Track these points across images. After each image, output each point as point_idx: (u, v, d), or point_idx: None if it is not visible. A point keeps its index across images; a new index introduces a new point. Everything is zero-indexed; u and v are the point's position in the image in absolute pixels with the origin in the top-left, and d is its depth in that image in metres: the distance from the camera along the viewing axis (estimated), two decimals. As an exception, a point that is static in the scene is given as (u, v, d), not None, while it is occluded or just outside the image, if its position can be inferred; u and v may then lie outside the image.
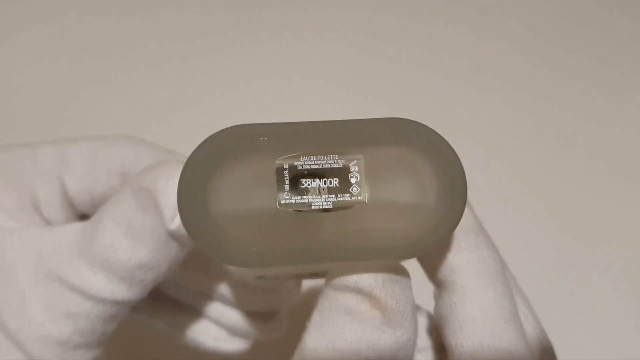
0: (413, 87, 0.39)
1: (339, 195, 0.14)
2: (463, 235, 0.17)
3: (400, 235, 0.14)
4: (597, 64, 0.40)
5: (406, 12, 0.41)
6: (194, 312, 0.23)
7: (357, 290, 0.15)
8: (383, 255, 0.14)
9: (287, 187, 0.14)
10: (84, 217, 0.21)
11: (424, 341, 0.19)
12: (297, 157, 0.14)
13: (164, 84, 0.38)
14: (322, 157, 0.14)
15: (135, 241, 0.16)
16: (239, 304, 0.22)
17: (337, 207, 0.14)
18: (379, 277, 0.15)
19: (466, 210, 0.17)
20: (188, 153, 0.14)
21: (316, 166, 0.14)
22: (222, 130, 0.14)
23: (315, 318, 0.16)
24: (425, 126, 0.14)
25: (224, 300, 0.22)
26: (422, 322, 0.19)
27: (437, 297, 0.17)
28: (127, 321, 0.19)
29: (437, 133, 0.14)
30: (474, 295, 0.16)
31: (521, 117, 0.38)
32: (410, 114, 0.40)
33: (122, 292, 0.17)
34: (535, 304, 0.19)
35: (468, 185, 0.14)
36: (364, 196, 0.14)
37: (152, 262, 0.17)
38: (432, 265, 0.17)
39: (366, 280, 0.15)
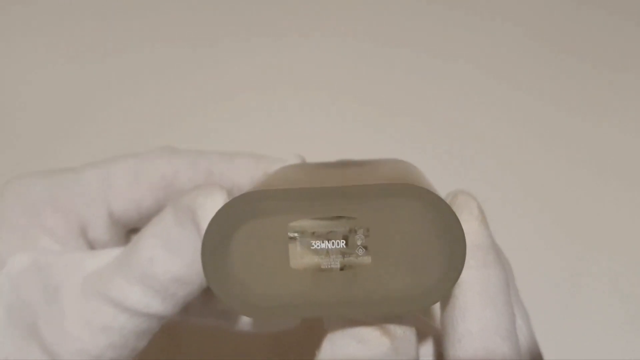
0: (414, 92, 0.38)
1: (345, 256, 0.15)
2: (472, 253, 0.18)
3: (404, 293, 0.15)
4: (602, 66, 0.39)
5: (406, 16, 0.40)
6: None
7: (369, 323, 0.17)
8: (388, 311, 0.15)
9: (298, 249, 0.15)
10: (133, 230, 0.22)
11: (427, 349, 0.20)
12: (307, 221, 0.15)
13: (168, 87, 0.38)
14: (329, 221, 0.15)
15: (172, 255, 0.18)
16: None
17: (344, 267, 0.15)
18: None
19: (480, 228, 0.18)
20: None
21: (324, 229, 0.15)
22: (241, 195, 0.15)
23: (326, 346, 0.17)
24: (427, 190, 0.15)
25: None
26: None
27: (442, 307, 0.19)
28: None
29: (438, 196, 0.15)
30: (474, 312, 0.17)
31: (523, 121, 0.38)
32: (411, 119, 0.40)
33: (156, 305, 0.18)
34: (534, 306, 0.20)
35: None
36: (369, 257, 0.15)
37: (186, 277, 0.18)
38: None
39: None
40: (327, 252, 0.15)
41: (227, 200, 0.16)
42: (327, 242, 0.15)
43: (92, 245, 0.21)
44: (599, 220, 0.35)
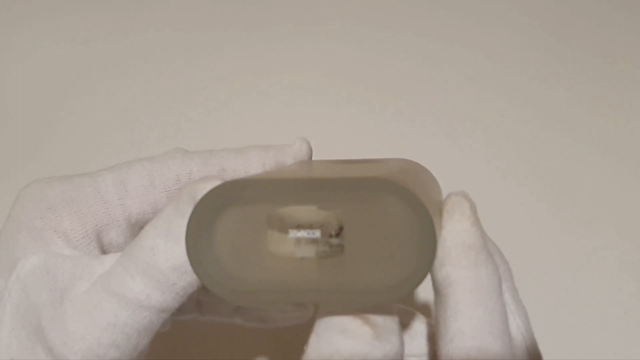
0: (414, 79, 0.39)
1: (320, 245, 0.16)
2: (464, 253, 0.18)
3: (377, 284, 0.16)
4: (611, 58, 0.39)
5: (411, 4, 0.41)
6: None
7: (349, 312, 0.17)
8: (362, 299, 0.16)
9: (275, 237, 0.16)
10: None
11: (422, 347, 0.20)
12: (285, 210, 0.16)
13: (164, 74, 0.39)
14: (306, 211, 0.16)
15: (174, 243, 0.18)
16: None
17: (319, 256, 0.16)
18: None
19: (472, 228, 0.18)
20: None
21: (301, 219, 0.16)
22: (223, 183, 0.16)
23: (313, 340, 0.18)
24: (398, 184, 0.15)
25: None
26: (422, 330, 0.21)
27: (435, 306, 0.19)
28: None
29: (409, 190, 0.15)
30: (466, 311, 0.18)
31: (527, 109, 0.38)
32: (411, 107, 0.40)
33: (157, 296, 0.18)
34: (534, 301, 0.20)
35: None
36: (343, 247, 0.16)
37: (186, 265, 0.18)
38: (432, 273, 0.19)
39: None
40: (303, 240, 0.16)
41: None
42: (303, 231, 0.16)
43: (106, 249, 0.22)
44: (605, 214, 0.35)
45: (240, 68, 0.39)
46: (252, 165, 0.23)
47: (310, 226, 0.16)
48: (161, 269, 0.18)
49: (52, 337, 0.18)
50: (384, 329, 0.17)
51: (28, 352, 0.19)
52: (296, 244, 0.16)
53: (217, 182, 0.18)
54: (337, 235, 0.16)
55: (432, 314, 0.22)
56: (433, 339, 0.20)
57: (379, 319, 0.17)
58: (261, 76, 0.39)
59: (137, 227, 0.22)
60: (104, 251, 0.22)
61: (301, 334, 0.24)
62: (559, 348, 0.30)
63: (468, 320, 0.17)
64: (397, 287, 0.16)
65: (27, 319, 0.19)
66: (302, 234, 0.16)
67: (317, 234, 0.16)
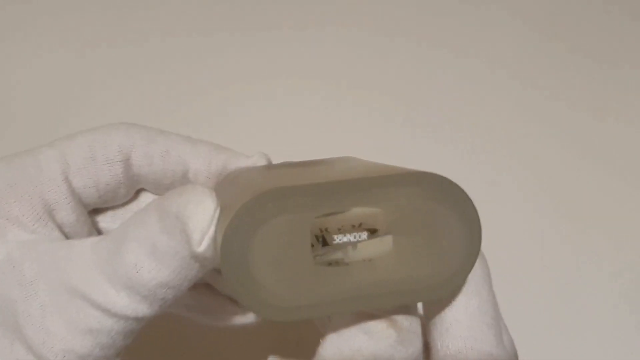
0: (416, 84, 0.39)
1: (369, 247, 0.15)
2: None
3: (427, 281, 0.15)
4: (606, 62, 0.40)
5: (408, 8, 0.41)
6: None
7: (377, 315, 0.17)
8: (406, 300, 0.15)
9: (320, 244, 0.15)
10: (94, 211, 0.22)
11: None
12: (328, 216, 0.15)
13: (164, 79, 0.38)
14: (351, 214, 0.15)
15: (159, 262, 0.17)
16: None
17: (368, 259, 0.15)
18: None
19: None
20: None
21: (347, 222, 0.15)
22: (262, 193, 0.14)
23: (332, 339, 0.17)
24: (445, 178, 0.15)
25: None
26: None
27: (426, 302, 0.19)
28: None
29: (456, 185, 0.15)
30: (461, 301, 0.18)
31: (526, 114, 0.39)
32: (414, 111, 0.40)
33: (144, 309, 0.18)
34: (534, 306, 0.21)
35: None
36: (390, 247, 0.15)
37: (173, 282, 0.17)
38: None
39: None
40: (351, 245, 0.15)
41: (217, 205, 0.16)
42: (349, 235, 0.15)
43: (61, 229, 0.20)
44: (603, 217, 0.36)
45: (240, 72, 0.38)
46: (197, 158, 0.22)
47: (357, 229, 0.15)
48: (147, 286, 0.17)
49: (30, 335, 0.18)
50: (409, 333, 0.17)
51: (7, 349, 0.18)
52: (344, 249, 0.15)
53: (209, 204, 0.16)
54: (386, 234, 0.15)
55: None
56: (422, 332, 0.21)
57: (405, 322, 0.17)
58: (258, 81, 0.38)
59: (81, 203, 0.21)
60: (61, 231, 0.20)
61: (302, 334, 0.23)
62: (552, 352, 0.32)
63: (463, 310, 0.18)
64: (449, 281, 0.15)
65: (2, 316, 0.18)
66: (349, 238, 0.15)
67: (364, 236, 0.15)
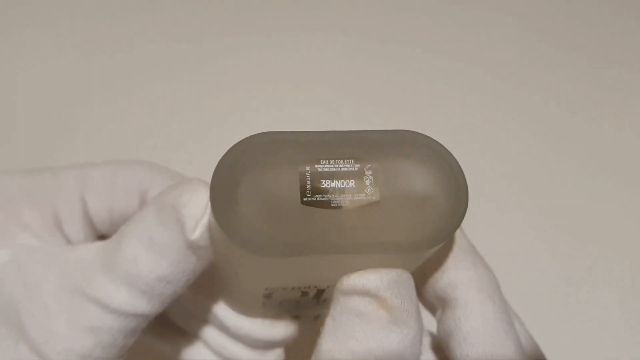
0: (412, 89, 0.40)
1: (355, 194, 0.15)
2: (462, 256, 0.19)
3: (411, 231, 0.15)
4: (600, 64, 0.41)
5: (408, 14, 0.43)
6: (197, 340, 0.23)
7: (365, 293, 0.17)
8: (395, 249, 0.15)
9: (309, 187, 0.15)
10: (102, 237, 0.22)
11: (429, 355, 0.20)
12: (318, 161, 0.16)
13: (167, 85, 0.39)
14: (340, 162, 0.16)
15: (156, 255, 0.17)
16: (240, 333, 0.23)
17: (353, 206, 0.15)
18: (384, 279, 0.17)
19: (461, 234, 0.19)
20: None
21: (335, 169, 0.16)
22: (252, 135, 0.16)
23: (329, 323, 0.17)
24: (428, 137, 0.16)
25: (227, 331, 0.23)
26: (426, 340, 0.20)
27: (441, 315, 0.19)
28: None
29: (439, 143, 0.16)
30: (476, 309, 0.18)
31: (518, 117, 0.39)
32: (408, 115, 0.41)
33: (143, 305, 0.18)
34: (531, 308, 0.20)
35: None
36: (377, 195, 0.15)
37: (171, 275, 0.18)
38: (434, 284, 0.19)
39: (372, 282, 0.17)
40: (337, 190, 0.15)
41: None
42: (337, 181, 0.15)
43: (68, 242, 0.21)
44: (599, 220, 0.36)
45: (240, 77, 0.39)
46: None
47: (344, 176, 0.16)
48: (145, 280, 0.18)
49: (33, 334, 0.18)
50: (401, 312, 0.17)
51: (11, 348, 0.18)
52: (330, 193, 0.15)
53: (203, 193, 0.17)
54: (372, 185, 0.16)
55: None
56: (438, 350, 0.20)
57: (395, 301, 0.17)
58: (258, 87, 0.39)
59: (93, 225, 0.21)
60: (68, 243, 0.21)
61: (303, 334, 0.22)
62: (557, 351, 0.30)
63: (480, 317, 0.18)
64: (432, 236, 0.15)
65: (6, 315, 0.18)
66: (337, 184, 0.15)
67: (351, 184, 0.16)
